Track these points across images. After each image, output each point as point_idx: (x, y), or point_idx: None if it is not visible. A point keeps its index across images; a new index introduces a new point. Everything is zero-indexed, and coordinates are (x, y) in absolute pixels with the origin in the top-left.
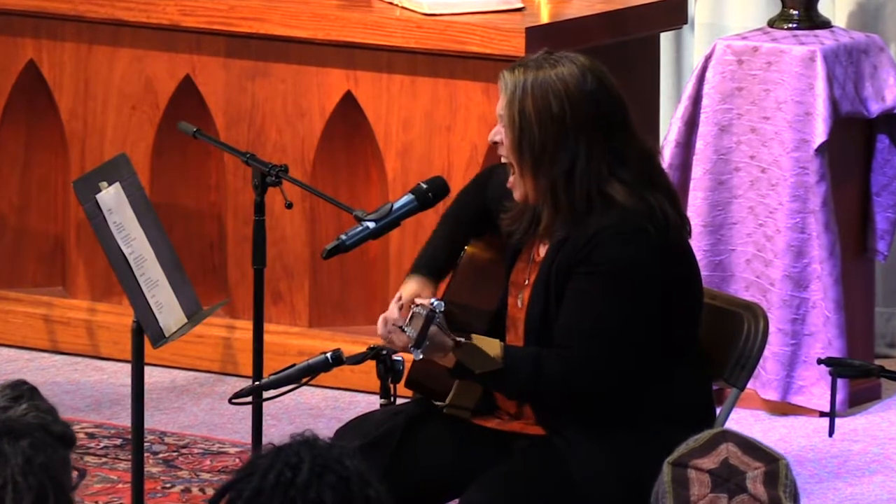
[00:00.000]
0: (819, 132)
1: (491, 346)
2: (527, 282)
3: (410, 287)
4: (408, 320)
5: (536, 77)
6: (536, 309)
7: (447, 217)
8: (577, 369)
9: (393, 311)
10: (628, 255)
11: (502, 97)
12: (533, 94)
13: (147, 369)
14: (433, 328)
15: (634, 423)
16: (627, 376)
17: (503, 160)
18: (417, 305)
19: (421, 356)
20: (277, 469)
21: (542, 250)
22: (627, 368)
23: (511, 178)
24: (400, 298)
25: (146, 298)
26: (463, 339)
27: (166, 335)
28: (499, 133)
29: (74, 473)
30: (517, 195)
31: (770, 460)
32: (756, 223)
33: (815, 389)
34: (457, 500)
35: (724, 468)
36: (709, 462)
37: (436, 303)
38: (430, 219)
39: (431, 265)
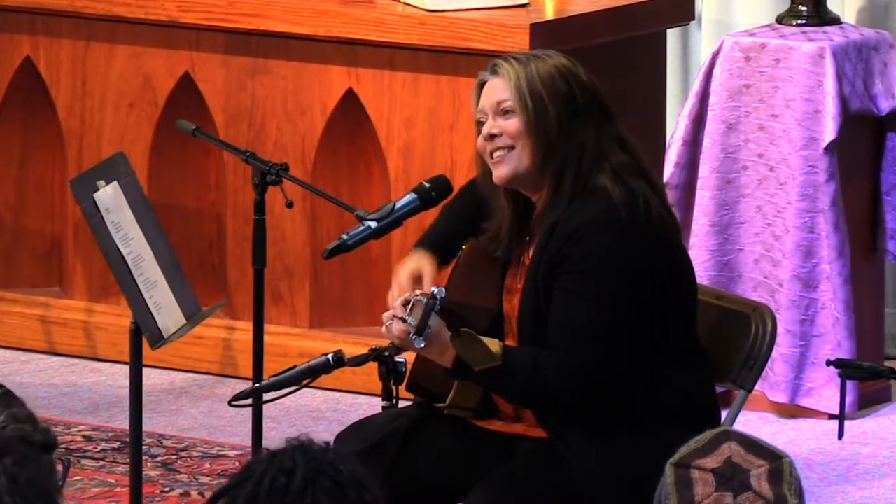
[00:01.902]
0: (828, 130)
1: (490, 343)
2: (519, 285)
3: (412, 264)
4: (408, 310)
5: (538, 64)
6: (528, 311)
7: (448, 208)
8: (572, 370)
9: (394, 293)
10: (609, 249)
11: (503, 84)
12: (541, 77)
13: (145, 371)
14: (434, 317)
15: (636, 424)
16: (622, 373)
17: (496, 154)
18: (418, 294)
19: (423, 345)
20: (272, 475)
21: (532, 253)
22: (621, 365)
23: (498, 157)
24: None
25: (144, 299)
26: (463, 329)
27: (165, 336)
28: (496, 126)
29: (59, 466)
30: (503, 172)
31: (774, 458)
32: (764, 222)
33: (824, 391)
34: None
35: (727, 467)
36: (711, 461)
37: (436, 290)
38: (433, 218)
39: (437, 243)
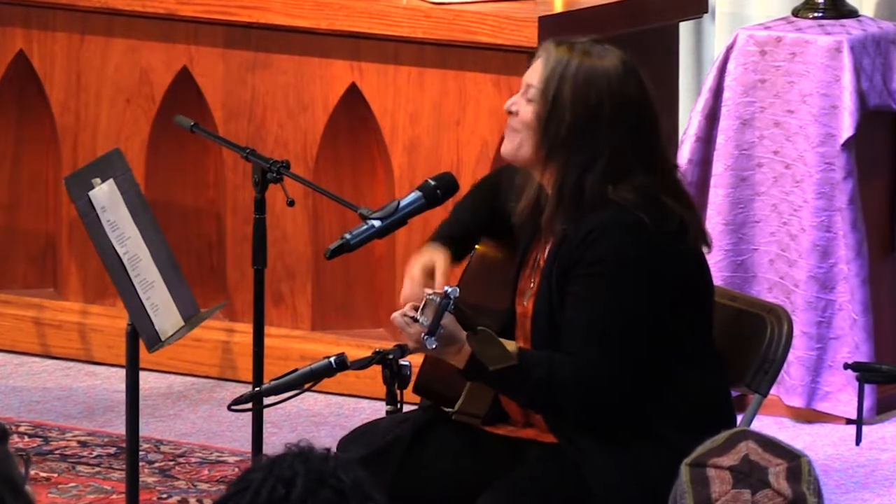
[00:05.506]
0: (845, 126)
1: (507, 344)
2: (532, 287)
3: (425, 258)
4: (420, 309)
5: (582, 62)
6: (542, 315)
7: (474, 191)
8: (587, 374)
9: (407, 288)
10: (623, 252)
11: (539, 69)
12: (575, 77)
13: (142, 374)
14: (448, 316)
15: (649, 429)
16: (638, 378)
17: (511, 131)
18: (430, 293)
19: (435, 345)
20: (270, 484)
21: (546, 254)
22: (637, 370)
23: (507, 133)
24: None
25: (141, 300)
26: (480, 328)
27: (162, 339)
28: (517, 104)
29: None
30: (505, 149)
31: (792, 457)
32: (780, 221)
33: (842, 395)
34: None
35: (744, 464)
36: (728, 459)
37: (450, 289)
38: (439, 217)
39: (451, 237)
